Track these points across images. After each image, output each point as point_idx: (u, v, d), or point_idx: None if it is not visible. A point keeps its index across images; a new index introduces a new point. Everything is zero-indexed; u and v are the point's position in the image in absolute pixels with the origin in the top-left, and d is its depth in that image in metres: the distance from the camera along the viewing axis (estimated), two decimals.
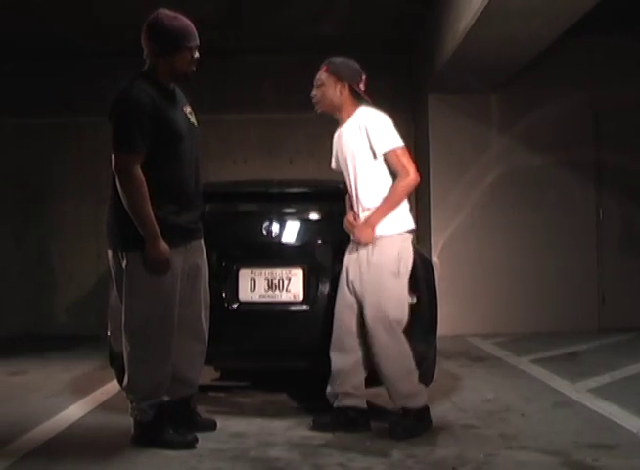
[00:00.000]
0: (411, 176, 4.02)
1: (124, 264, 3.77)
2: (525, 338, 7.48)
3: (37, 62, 8.39)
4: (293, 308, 4.53)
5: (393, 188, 4.01)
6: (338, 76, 4.12)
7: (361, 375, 4.15)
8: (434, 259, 7.66)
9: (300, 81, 8.33)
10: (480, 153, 7.98)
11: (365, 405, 4.17)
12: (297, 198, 5.10)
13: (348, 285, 4.10)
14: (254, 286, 4.53)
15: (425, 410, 4.07)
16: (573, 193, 7.99)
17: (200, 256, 4.02)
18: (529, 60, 6.81)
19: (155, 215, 3.69)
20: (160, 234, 3.69)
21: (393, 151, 4.04)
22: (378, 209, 4.00)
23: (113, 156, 3.72)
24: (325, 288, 4.48)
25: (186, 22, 3.84)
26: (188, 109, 3.97)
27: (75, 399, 4.95)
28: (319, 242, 4.69)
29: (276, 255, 4.63)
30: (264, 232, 4.61)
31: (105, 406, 4.76)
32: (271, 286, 4.52)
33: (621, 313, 7.84)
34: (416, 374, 4.08)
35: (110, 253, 3.88)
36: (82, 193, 8.53)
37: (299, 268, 4.53)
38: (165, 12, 3.83)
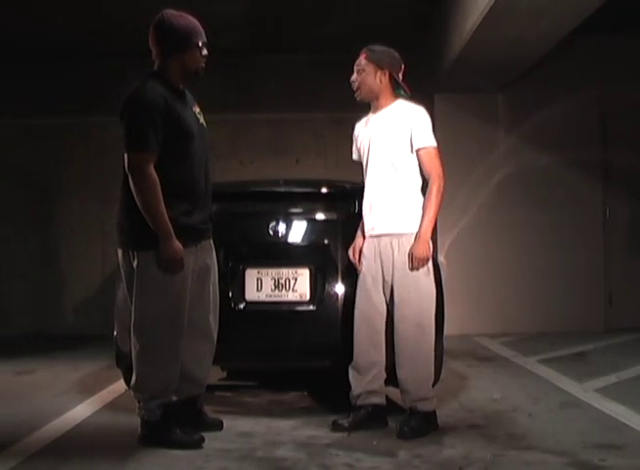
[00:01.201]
0: (442, 178, 4.04)
1: (135, 264, 3.77)
2: (531, 338, 7.47)
3: (44, 62, 8.41)
4: (299, 308, 4.53)
5: (430, 194, 4.02)
6: (378, 64, 4.13)
7: (384, 373, 4.18)
8: (441, 259, 7.66)
9: (307, 81, 8.47)
10: (486, 152, 7.98)
11: (385, 402, 4.21)
12: (303, 198, 5.09)
13: (377, 285, 4.10)
14: (261, 286, 4.53)
15: (433, 414, 4.09)
16: (580, 192, 7.98)
17: (210, 256, 4.03)
18: (537, 59, 6.80)
19: (167, 214, 3.69)
20: (173, 233, 3.70)
21: (429, 148, 4.07)
22: (425, 219, 4.00)
23: (125, 155, 3.72)
24: (331, 288, 4.48)
25: (192, 20, 3.86)
26: (197, 109, 3.98)
27: (82, 399, 4.96)
28: (325, 242, 4.68)
29: (282, 254, 4.63)
30: (271, 232, 4.61)
31: (112, 406, 4.77)
32: (278, 286, 4.52)
33: (628, 313, 7.82)
34: (432, 379, 4.11)
35: (120, 252, 3.88)
36: (89, 193, 8.56)
37: (306, 268, 4.53)
38: (171, 12, 3.84)
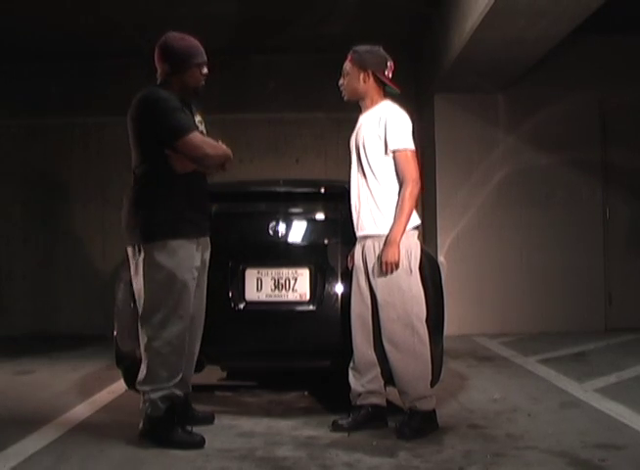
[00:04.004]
0: (416, 182, 4.01)
1: (142, 257, 3.84)
2: (531, 338, 7.48)
3: (44, 62, 8.42)
4: (299, 308, 4.52)
5: (402, 198, 3.99)
6: (361, 65, 4.14)
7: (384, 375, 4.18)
8: (441, 259, 7.66)
9: (307, 81, 8.47)
10: (486, 152, 7.98)
11: (385, 403, 4.21)
12: (303, 198, 5.09)
13: (368, 285, 4.11)
14: (261, 286, 4.53)
15: (432, 413, 4.08)
16: (580, 192, 7.99)
17: (207, 253, 4.08)
18: (536, 59, 6.80)
19: (173, 208, 3.83)
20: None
21: (404, 151, 4.03)
22: (395, 223, 3.98)
23: (176, 145, 3.79)
24: (331, 288, 4.48)
25: (193, 41, 4.01)
26: (198, 117, 4.07)
27: (82, 399, 4.96)
28: (325, 242, 4.68)
29: (282, 254, 4.63)
30: (271, 232, 4.61)
31: (111, 406, 4.77)
32: (277, 286, 4.52)
33: (628, 313, 7.83)
34: (429, 378, 4.09)
35: (129, 250, 3.95)
36: (89, 193, 8.57)
37: (306, 268, 4.52)
38: (173, 34, 4.01)
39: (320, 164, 8.42)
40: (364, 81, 4.15)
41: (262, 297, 4.52)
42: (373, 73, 4.14)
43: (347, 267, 4.33)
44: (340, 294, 4.45)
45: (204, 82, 4.02)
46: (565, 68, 7.79)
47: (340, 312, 4.37)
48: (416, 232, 4.13)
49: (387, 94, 4.23)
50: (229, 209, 5.00)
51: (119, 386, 5.02)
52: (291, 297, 4.51)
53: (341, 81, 4.24)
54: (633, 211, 8.03)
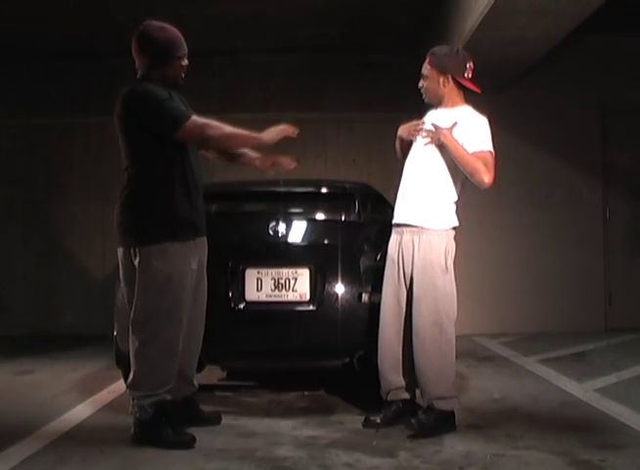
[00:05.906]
0: (488, 176, 4.01)
1: (137, 261, 3.78)
2: (531, 338, 7.48)
3: (44, 62, 8.41)
4: (299, 308, 4.53)
5: (476, 158, 3.98)
6: (440, 69, 4.13)
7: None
8: None
9: (307, 81, 8.46)
10: None
11: (416, 398, 4.21)
12: (303, 198, 5.10)
13: (400, 280, 4.09)
14: (261, 286, 4.53)
15: (449, 414, 4.07)
16: (580, 193, 7.99)
17: (204, 254, 4.06)
18: (537, 59, 6.79)
19: (170, 209, 3.78)
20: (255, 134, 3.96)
21: (485, 153, 4.02)
22: (458, 146, 3.97)
23: (177, 135, 3.74)
24: (331, 288, 4.48)
25: (173, 31, 3.91)
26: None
27: (82, 399, 4.96)
28: (325, 242, 4.69)
29: (282, 254, 4.64)
30: (271, 232, 4.62)
31: (111, 406, 4.76)
32: (277, 286, 4.53)
33: (629, 313, 7.82)
34: (453, 378, 4.08)
35: (120, 250, 3.89)
36: (89, 193, 8.55)
37: (306, 268, 4.53)
38: (152, 23, 3.90)
39: (320, 165, 8.41)
40: (444, 85, 4.14)
41: (262, 297, 4.53)
42: (452, 77, 4.13)
43: (348, 265, 4.32)
44: (340, 294, 4.46)
45: (184, 75, 3.94)
46: (565, 67, 7.79)
47: (340, 312, 4.37)
48: (454, 232, 4.15)
49: (466, 93, 4.20)
50: (229, 209, 5.01)
51: (119, 386, 5.02)
52: (291, 297, 4.52)
53: (420, 84, 4.22)
54: (633, 211, 8.03)
